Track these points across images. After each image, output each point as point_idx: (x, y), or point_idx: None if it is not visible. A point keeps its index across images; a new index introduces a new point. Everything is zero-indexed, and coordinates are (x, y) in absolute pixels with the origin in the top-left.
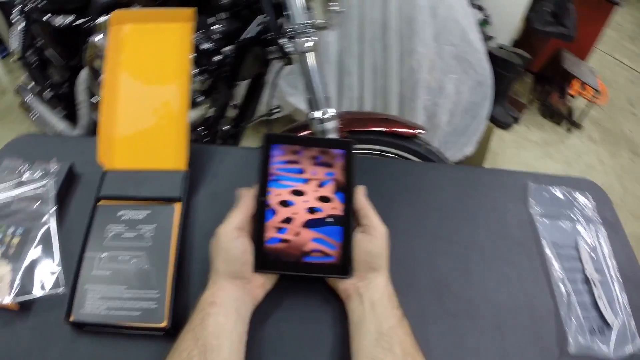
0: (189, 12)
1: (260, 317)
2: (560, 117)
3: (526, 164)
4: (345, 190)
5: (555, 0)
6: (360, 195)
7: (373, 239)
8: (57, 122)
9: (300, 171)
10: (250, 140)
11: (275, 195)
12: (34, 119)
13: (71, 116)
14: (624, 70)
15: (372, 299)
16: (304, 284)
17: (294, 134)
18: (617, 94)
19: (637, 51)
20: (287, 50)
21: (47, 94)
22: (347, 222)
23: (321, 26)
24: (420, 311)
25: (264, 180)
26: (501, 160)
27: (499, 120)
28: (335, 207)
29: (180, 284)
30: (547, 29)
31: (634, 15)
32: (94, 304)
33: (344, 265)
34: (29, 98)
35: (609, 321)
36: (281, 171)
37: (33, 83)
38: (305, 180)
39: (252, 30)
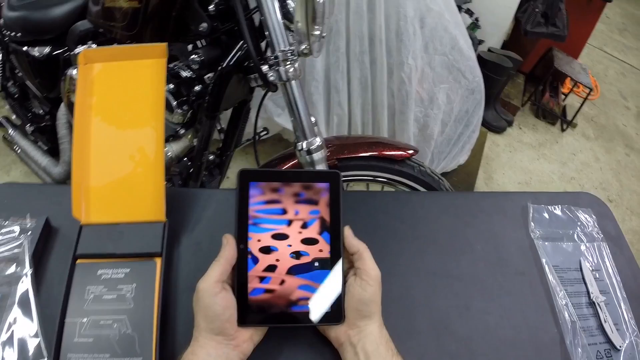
0: (161, 47)
1: None
2: (554, 116)
3: (521, 167)
4: (332, 230)
5: None
6: (350, 237)
7: (365, 284)
8: (40, 157)
9: (282, 212)
10: (237, 166)
11: (256, 241)
12: (17, 152)
13: (55, 150)
14: (614, 64)
15: (367, 350)
16: (294, 332)
17: (272, 169)
18: (608, 88)
19: (627, 43)
20: (269, 78)
21: (29, 127)
22: (336, 264)
23: (304, 52)
24: (418, 355)
25: (243, 225)
26: (496, 165)
27: (492, 125)
28: (322, 249)
29: (165, 348)
30: (538, 30)
31: (623, 8)
32: None
33: (335, 312)
34: (11, 131)
35: (616, 344)
36: (261, 213)
37: (14, 116)
38: (288, 222)
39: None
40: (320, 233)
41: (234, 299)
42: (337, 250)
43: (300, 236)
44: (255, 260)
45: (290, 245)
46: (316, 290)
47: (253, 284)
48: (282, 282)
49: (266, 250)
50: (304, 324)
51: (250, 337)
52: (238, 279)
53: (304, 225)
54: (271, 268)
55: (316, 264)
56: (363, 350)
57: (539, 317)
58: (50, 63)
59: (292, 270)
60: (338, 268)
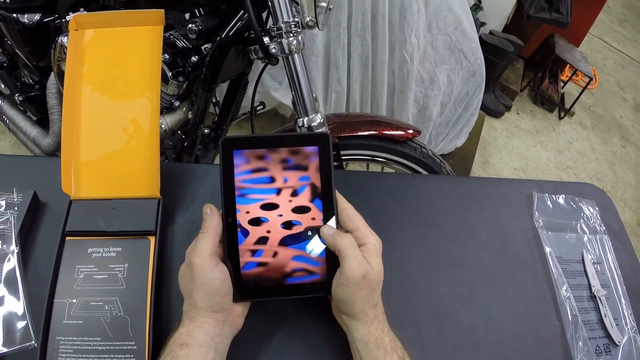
0: (158, 13)
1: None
2: (552, 103)
3: (518, 153)
4: (324, 196)
5: None
6: (329, 235)
7: (340, 284)
8: (29, 128)
9: (270, 180)
10: None
11: (245, 212)
12: (6, 122)
13: (45, 120)
14: (613, 54)
15: (357, 345)
16: (292, 304)
17: (256, 135)
18: (607, 78)
19: (626, 34)
20: (271, 51)
21: (18, 97)
22: None
23: (308, 24)
24: (420, 343)
25: (229, 197)
26: (493, 149)
27: (490, 109)
28: (314, 218)
29: (159, 332)
30: (541, 15)
31: None
32: (67, 358)
33: (330, 282)
34: None
35: (615, 340)
36: (247, 183)
37: (3, 85)
38: (277, 191)
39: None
40: (312, 200)
41: (227, 271)
42: (331, 217)
43: (290, 205)
44: (246, 233)
45: (280, 215)
46: (310, 260)
47: (245, 258)
48: (275, 254)
49: (256, 222)
50: (299, 296)
51: (242, 311)
52: (229, 254)
53: (294, 193)
54: (262, 240)
55: (309, 233)
56: (354, 343)
57: (542, 309)
58: (41, 31)
59: (285, 241)
60: None
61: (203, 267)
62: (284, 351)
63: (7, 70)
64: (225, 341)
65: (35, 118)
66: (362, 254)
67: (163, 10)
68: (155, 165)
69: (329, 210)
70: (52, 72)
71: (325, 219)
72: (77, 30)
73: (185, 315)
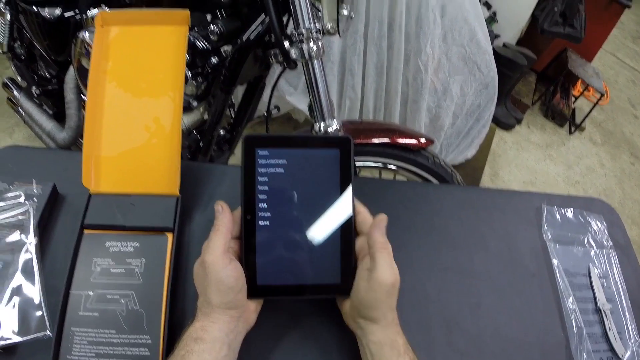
0: (184, 14)
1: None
2: (563, 118)
3: (527, 166)
4: (343, 199)
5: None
6: (376, 229)
7: (369, 289)
8: (45, 121)
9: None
10: None
11: (264, 210)
12: (22, 115)
13: (61, 114)
14: (625, 70)
15: (371, 348)
16: (304, 304)
17: (279, 134)
18: (618, 95)
19: (639, 51)
20: (291, 56)
21: (35, 90)
22: (346, 235)
23: (329, 31)
24: (428, 349)
25: (250, 194)
26: (502, 162)
27: (501, 121)
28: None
29: (174, 327)
30: (555, 30)
31: (638, 15)
32: (81, 349)
33: (345, 284)
34: (16, 93)
35: (619, 353)
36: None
37: (20, 78)
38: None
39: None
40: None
41: (241, 268)
42: (349, 220)
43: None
44: (264, 231)
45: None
46: (326, 261)
47: (262, 255)
48: (292, 253)
49: (275, 220)
50: (313, 296)
51: (256, 308)
52: (246, 251)
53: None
54: (280, 239)
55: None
56: (367, 347)
57: (547, 320)
58: (61, 25)
59: (303, 241)
60: (349, 239)
61: (216, 264)
62: (294, 350)
63: (25, 63)
64: (239, 337)
65: (51, 112)
66: None
67: (188, 11)
68: (176, 163)
69: (347, 213)
70: (71, 67)
71: (344, 222)
72: (102, 26)
73: (199, 311)
